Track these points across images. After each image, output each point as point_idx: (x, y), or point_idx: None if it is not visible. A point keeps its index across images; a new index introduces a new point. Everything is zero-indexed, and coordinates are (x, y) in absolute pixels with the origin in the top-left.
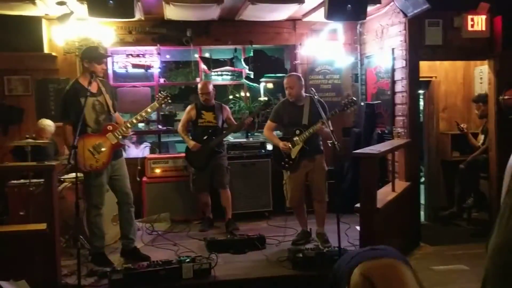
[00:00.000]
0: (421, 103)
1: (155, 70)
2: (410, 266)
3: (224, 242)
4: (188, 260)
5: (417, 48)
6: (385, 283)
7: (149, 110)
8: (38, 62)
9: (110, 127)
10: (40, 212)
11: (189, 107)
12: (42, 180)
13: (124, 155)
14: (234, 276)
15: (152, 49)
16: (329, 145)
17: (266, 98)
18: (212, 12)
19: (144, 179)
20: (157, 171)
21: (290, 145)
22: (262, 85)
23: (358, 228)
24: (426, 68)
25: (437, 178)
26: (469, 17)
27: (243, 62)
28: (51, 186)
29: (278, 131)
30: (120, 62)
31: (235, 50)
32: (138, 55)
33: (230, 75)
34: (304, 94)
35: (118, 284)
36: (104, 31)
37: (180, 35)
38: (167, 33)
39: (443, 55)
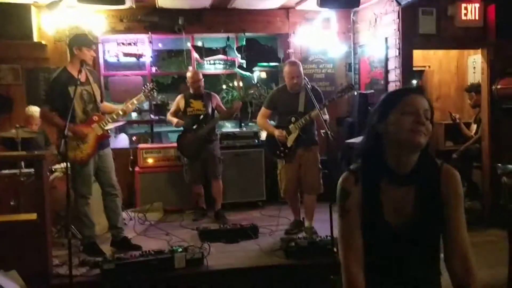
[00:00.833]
0: None
1: (147, 59)
2: None
3: (217, 231)
4: (180, 249)
5: (411, 37)
6: None
7: (135, 102)
8: (28, 51)
9: (96, 118)
10: (31, 202)
11: (178, 97)
12: (33, 170)
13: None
14: (227, 266)
15: (144, 37)
16: (322, 134)
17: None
18: (205, 0)
19: (137, 169)
20: (150, 161)
21: (285, 133)
22: (256, 74)
23: None
24: (420, 57)
25: None
26: (463, 5)
27: (236, 51)
28: (41, 176)
29: (272, 121)
30: (111, 51)
31: (228, 38)
32: (129, 44)
33: (223, 64)
34: None
35: (110, 274)
36: (95, 19)
37: (172, 23)
38: (159, 21)
39: (436, 44)
